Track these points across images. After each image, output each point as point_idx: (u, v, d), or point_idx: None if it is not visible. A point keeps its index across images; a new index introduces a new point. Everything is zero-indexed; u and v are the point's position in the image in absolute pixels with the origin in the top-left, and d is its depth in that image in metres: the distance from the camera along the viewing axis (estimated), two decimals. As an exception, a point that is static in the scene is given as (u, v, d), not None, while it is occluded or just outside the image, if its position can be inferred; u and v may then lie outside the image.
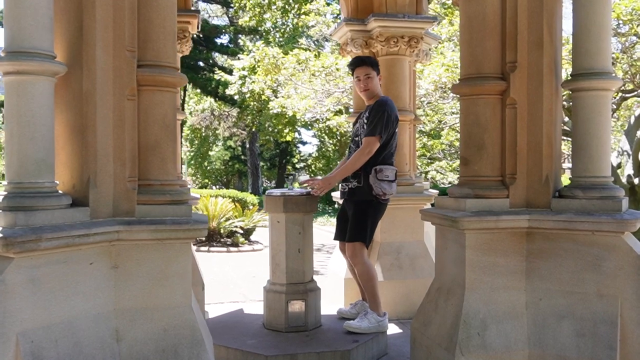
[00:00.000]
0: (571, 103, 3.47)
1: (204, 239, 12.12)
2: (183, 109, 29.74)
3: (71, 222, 2.49)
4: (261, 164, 28.95)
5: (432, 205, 4.01)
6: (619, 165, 10.33)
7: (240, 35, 24.72)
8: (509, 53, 3.07)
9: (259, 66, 13.44)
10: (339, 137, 19.98)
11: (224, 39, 27.20)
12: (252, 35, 22.77)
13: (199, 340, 2.69)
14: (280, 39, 18.84)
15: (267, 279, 4.08)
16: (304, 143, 30.95)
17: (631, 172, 9.65)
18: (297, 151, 31.03)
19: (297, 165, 31.32)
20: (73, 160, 2.65)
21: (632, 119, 10.09)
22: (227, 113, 27.49)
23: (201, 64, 25.86)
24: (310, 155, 29.69)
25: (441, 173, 13.94)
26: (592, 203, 2.93)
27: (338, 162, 4.23)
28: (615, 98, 9.01)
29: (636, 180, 9.47)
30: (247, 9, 18.26)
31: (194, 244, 11.73)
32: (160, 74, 2.75)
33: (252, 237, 12.50)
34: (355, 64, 4.11)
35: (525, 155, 3.06)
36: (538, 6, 3.01)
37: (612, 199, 2.92)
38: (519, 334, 2.98)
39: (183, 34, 4.62)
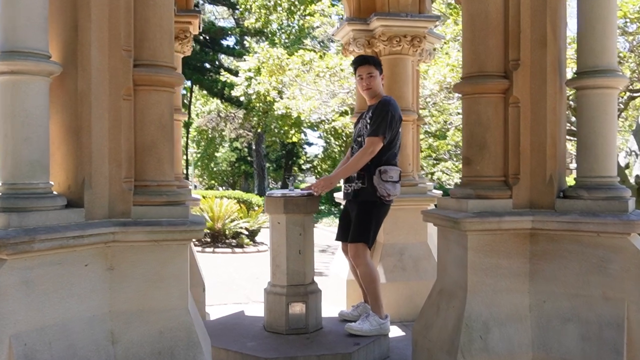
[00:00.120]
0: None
1: (209, 240, 12.12)
2: (189, 111, 29.95)
3: (66, 224, 2.47)
4: (267, 165, 28.94)
5: (436, 206, 3.96)
6: (627, 166, 10.22)
7: (246, 37, 24.72)
8: (511, 51, 3.02)
9: (263, 67, 13.43)
10: (344, 138, 19.92)
11: (230, 41, 27.23)
12: (258, 37, 22.77)
13: (195, 343, 2.66)
14: (286, 41, 18.83)
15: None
16: (310, 144, 30.92)
17: (639, 172, 9.54)
18: (303, 152, 31.00)
19: (303, 167, 31.30)
20: (68, 161, 2.63)
21: (640, 119, 9.98)
22: (233, 114, 27.50)
23: (207, 65, 25.90)
24: (316, 156, 29.64)
25: (447, 174, 13.86)
26: (598, 204, 2.87)
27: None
28: (622, 97, 8.91)
29: (644, 181, 9.37)
30: (253, 10, 18.28)
31: (198, 245, 11.75)
32: (156, 74, 2.72)
33: (257, 238, 12.48)
34: (358, 63, 4.07)
35: (529, 155, 3.00)
36: (541, 4, 2.95)
37: (618, 199, 2.86)
38: (523, 338, 2.92)
39: (184, 34, 4.60)
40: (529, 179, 3.00)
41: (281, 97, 13.93)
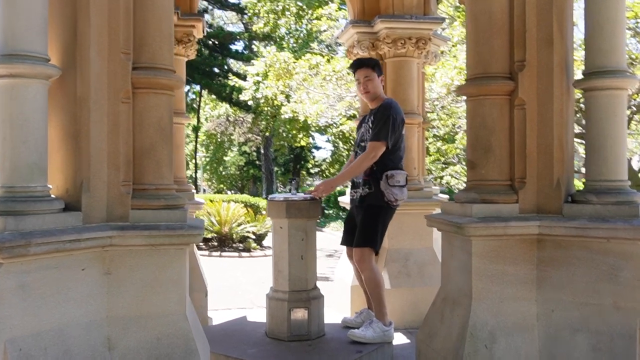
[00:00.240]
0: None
1: (216, 244, 12.11)
2: (198, 115, 30.05)
3: (62, 227, 2.44)
4: (275, 169, 28.93)
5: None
6: (640, 170, 10.06)
7: (254, 42, 24.76)
8: (517, 52, 2.95)
9: (270, 71, 13.42)
10: (352, 142, 19.87)
11: (238, 46, 27.30)
12: (266, 42, 22.81)
13: (192, 350, 2.61)
14: (294, 45, 18.85)
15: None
16: (318, 148, 30.84)
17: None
18: (312, 156, 30.95)
19: (312, 170, 31.26)
20: (67, 165, 2.60)
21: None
22: (242, 119, 27.54)
23: (216, 70, 25.96)
24: (324, 160, 29.60)
25: (456, 178, 13.73)
26: (607, 208, 2.78)
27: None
28: (635, 100, 8.77)
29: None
30: (262, 15, 18.33)
31: (205, 249, 11.74)
32: (155, 77, 2.69)
33: (265, 243, 12.44)
34: (355, 66, 4.02)
35: (535, 159, 2.93)
36: (547, 2, 2.88)
37: (629, 204, 2.78)
38: (530, 348, 2.84)
39: (188, 38, 4.57)
40: (535, 183, 2.93)
41: (288, 101, 13.92)
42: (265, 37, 21.98)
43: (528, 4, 2.91)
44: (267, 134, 24.18)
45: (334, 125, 14.63)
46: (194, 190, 5.10)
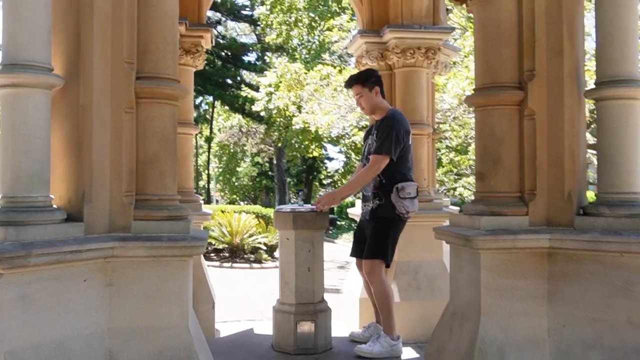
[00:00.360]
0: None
1: (227, 254, 12.10)
2: (211, 126, 30.16)
3: (64, 238, 2.42)
4: (288, 179, 28.96)
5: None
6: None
7: (267, 53, 24.92)
8: (526, 61, 2.89)
9: (281, 82, 13.46)
10: (364, 153, 19.79)
11: (251, 57, 27.51)
12: (279, 53, 22.94)
13: (194, 364, 2.57)
14: (307, 56, 18.91)
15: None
16: (330, 159, 30.86)
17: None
18: (324, 167, 30.95)
19: (324, 181, 31.25)
20: (69, 175, 2.59)
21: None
22: (254, 129, 27.68)
23: (229, 81, 26.18)
24: (337, 171, 29.56)
25: (469, 189, 13.61)
26: (620, 221, 2.70)
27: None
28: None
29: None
30: (274, 26, 18.42)
31: (216, 260, 11.73)
32: (158, 86, 2.67)
33: (276, 254, 12.38)
34: (346, 86, 4.10)
35: (546, 170, 2.86)
36: (557, 11, 2.83)
37: (643, 217, 2.69)
38: (541, 363, 2.76)
39: (196, 49, 4.57)
40: (546, 195, 2.86)
41: (300, 112, 13.93)
42: (278, 49, 22.10)
43: (537, 13, 2.86)
44: (279, 144, 24.23)
45: (346, 136, 14.59)
46: (202, 201, 5.08)
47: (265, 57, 25.21)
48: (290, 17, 18.15)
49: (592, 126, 7.96)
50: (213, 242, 12.11)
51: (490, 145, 2.95)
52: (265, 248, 12.03)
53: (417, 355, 4.24)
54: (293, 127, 15.47)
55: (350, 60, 16.28)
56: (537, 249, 2.82)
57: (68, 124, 2.59)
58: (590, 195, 8.75)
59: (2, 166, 2.40)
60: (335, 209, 21.64)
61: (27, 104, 2.37)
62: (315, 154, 20.59)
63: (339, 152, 26.18)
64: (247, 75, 27.52)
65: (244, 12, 26.50)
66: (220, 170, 33.22)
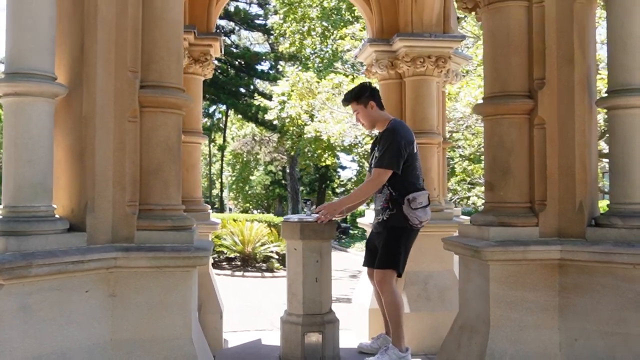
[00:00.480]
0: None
1: (239, 263, 12.08)
2: (224, 134, 30.25)
3: (66, 248, 2.40)
4: (301, 188, 28.97)
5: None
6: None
7: (280, 62, 25.03)
8: (536, 69, 2.84)
9: (292, 91, 13.47)
10: (377, 162, 19.71)
11: (264, 66, 27.65)
12: (292, 62, 23.03)
13: (198, 376, 2.53)
14: (320, 65, 18.95)
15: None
16: (343, 168, 30.80)
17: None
18: (337, 176, 30.90)
19: (337, 190, 31.19)
20: (72, 184, 2.58)
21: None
22: (268, 138, 27.76)
23: (242, 90, 26.32)
24: (349, 179, 29.50)
25: (482, 198, 13.47)
26: (633, 233, 2.63)
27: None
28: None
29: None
30: (288, 35, 18.50)
31: (228, 269, 11.72)
32: (162, 95, 2.66)
33: (287, 263, 12.34)
34: (344, 105, 4.14)
35: (557, 180, 2.80)
36: (568, 19, 2.78)
37: (656, 228, 2.62)
38: (552, 378, 2.68)
39: (205, 57, 4.57)
40: (557, 206, 2.80)
41: (312, 121, 13.93)
42: (291, 57, 22.18)
43: (547, 20, 2.81)
44: (292, 153, 24.26)
45: (359, 144, 14.54)
46: (214, 210, 5.07)
47: (279, 66, 25.32)
48: (303, 26, 18.21)
49: (607, 135, 7.83)
50: (225, 250, 12.11)
51: (500, 155, 2.90)
52: (277, 257, 11.99)
53: (427, 368, 4.18)
54: (305, 135, 15.46)
55: (363, 68, 16.29)
56: (548, 261, 2.76)
57: (71, 134, 2.58)
58: (604, 204, 8.61)
59: (5, 175, 2.39)
60: (348, 217, 21.56)
61: (30, 113, 2.37)
62: (328, 162, 20.55)
63: (351, 161, 26.11)
64: (260, 84, 27.66)
65: (258, 22, 26.68)
66: (234, 178, 33.35)
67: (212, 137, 29.36)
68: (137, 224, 2.61)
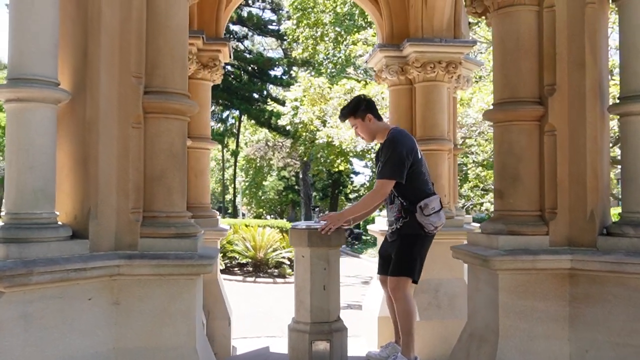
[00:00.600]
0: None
1: (250, 269, 12.08)
2: (237, 140, 30.32)
3: (68, 255, 2.39)
4: (314, 194, 28.95)
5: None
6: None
7: (293, 67, 25.08)
8: (547, 75, 2.78)
9: (304, 96, 13.47)
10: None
11: (277, 71, 27.70)
12: (305, 67, 23.06)
13: (201, 385, 2.50)
14: (333, 70, 18.94)
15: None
16: (356, 173, 30.74)
17: None
18: (350, 181, 30.82)
19: (350, 196, 31.11)
20: (75, 191, 2.57)
21: None
22: (281, 143, 27.79)
23: (255, 95, 26.39)
24: (362, 185, 29.41)
25: (495, 205, 13.32)
26: (646, 242, 2.56)
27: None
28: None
29: None
30: (301, 41, 18.54)
31: (240, 274, 11.71)
32: (166, 101, 2.64)
33: (299, 269, 12.30)
34: (341, 120, 4.10)
35: (567, 188, 2.73)
36: (579, 24, 2.71)
37: (670, 238, 2.54)
38: (562, 390, 2.61)
39: (213, 63, 4.56)
40: (567, 214, 2.73)
41: (324, 126, 13.92)
42: (304, 63, 22.21)
43: (558, 25, 2.75)
44: (305, 159, 24.24)
45: (372, 150, 14.49)
46: (223, 216, 5.05)
47: (292, 72, 25.37)
48: (316, 32, 18.24)
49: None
50: (237, 256, 12.12)
51: (509, 162, 2.84)
52: (288, 263, 11.96)
53: (436, 378, 4.12)
54: (317, 141, 15.45)
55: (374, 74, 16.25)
56: (558, 270, 2.70)
57: (74, 140, 2.57)
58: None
59: (7, 182, 2.38)
60: (360, 223, 21.47)
61: (32, 119, 2.36)
62: (341, 168, 20.50)
63: (364, 167, 26.06)
64: (273, 89, 27.72)
65: (271, 27, 26.78)
66: (247, 184, 33.43)
67: (225, 142, 29.47)
68: (140, 231, 2.59)
